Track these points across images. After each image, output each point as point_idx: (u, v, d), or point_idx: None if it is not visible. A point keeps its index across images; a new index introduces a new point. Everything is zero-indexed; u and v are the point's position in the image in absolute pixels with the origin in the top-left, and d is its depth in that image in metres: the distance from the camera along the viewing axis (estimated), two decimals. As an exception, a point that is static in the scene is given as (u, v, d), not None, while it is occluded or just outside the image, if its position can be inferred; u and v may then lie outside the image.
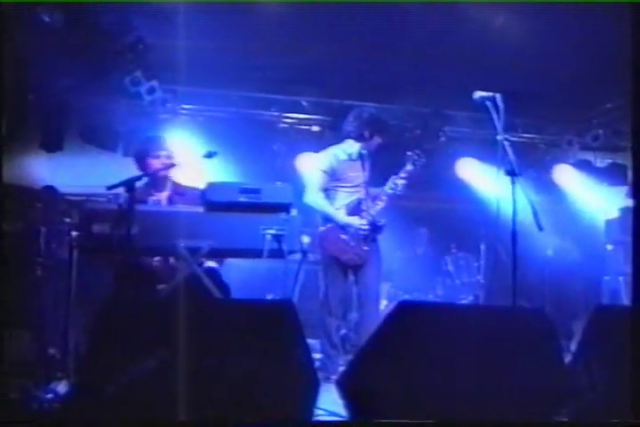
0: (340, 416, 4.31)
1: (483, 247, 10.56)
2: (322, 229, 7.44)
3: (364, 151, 7.61)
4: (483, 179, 11.72)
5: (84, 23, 8.60)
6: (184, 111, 10.93)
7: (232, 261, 7.62)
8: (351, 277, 7.60)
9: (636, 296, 4.54)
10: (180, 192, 6.71)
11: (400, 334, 4.02)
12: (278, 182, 6.27)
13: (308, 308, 8.03)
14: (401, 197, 7.63)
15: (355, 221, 7.38)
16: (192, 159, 6.78)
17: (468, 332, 4.16)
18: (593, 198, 11.96)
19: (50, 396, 5.20)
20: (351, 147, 7.61)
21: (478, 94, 6.13)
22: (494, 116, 5.96)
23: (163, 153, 6.68)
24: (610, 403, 4.20)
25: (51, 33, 8.34)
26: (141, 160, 6.74)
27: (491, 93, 6.05)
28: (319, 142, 10.15)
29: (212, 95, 10.94)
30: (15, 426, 4.05)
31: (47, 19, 8.19)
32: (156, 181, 6.69)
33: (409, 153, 7.59)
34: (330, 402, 4.39)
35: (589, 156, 12.24)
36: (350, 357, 6.69)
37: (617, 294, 9.86)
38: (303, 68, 10.18)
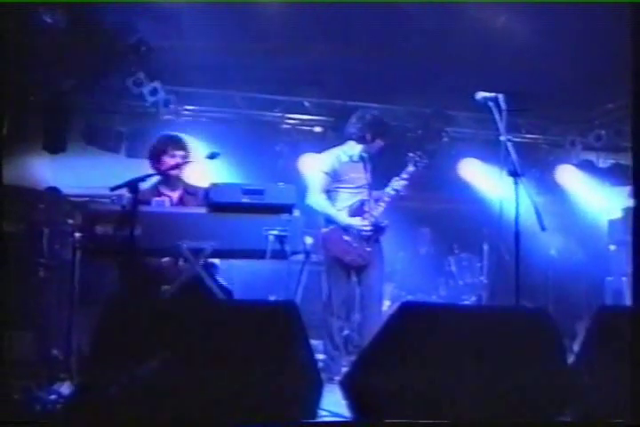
0: (344, 417, 4.31)
1: (485, 248, 10.53)
2: (325, 230, 7.44)
3: (365, 154, 7.61)
4: (485, 179, 11.72)
5: (86, 24, 8.62)
6: (186, 112, 10.94)
7: (235, 262, 7.63)
8: (354, 278, 7.59)
9: (637, 296, 4.54)
10: (191, 192, 6.71)
11: (403, 335, 4.02)
12: (281, 183, 6.27)
13: (311, 309, 8.02)
14: (403, 198, 7.62)
15: (356, 222, 7.38)
16: (195, 160, 6.75)
17: (471, 332, 4.16)
18: (596, 199, 11.95)
19: (53, 397, 5.19)
20: (353, 149, 7.61)
21: (481, 95, 6.13)
22: (497, 116, 5.97)
23: (179, 153, 6.66)
24: (612, 403, 4.19)
25: (53, 34, 8.35)
26: (156, 158, 6.72)
27: (493, 94, 6.05)
28: (321, 143, 10.15)
29: (214, 96, 10.95)
30: (18, 427, 4.06)
31: (49, 20, 8.21)
32: (169, 180, 6.69)
33: (411, 155, 7.58)
34: (333, 403, 4.38)
35: (592, 156, 12.24)
36: (353, 357, 6.68)
37: (620, 295, 9.84)
38: (305, 68, 10.19)
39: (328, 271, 7.58)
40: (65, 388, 5.60)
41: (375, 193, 7.57)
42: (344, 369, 6.81)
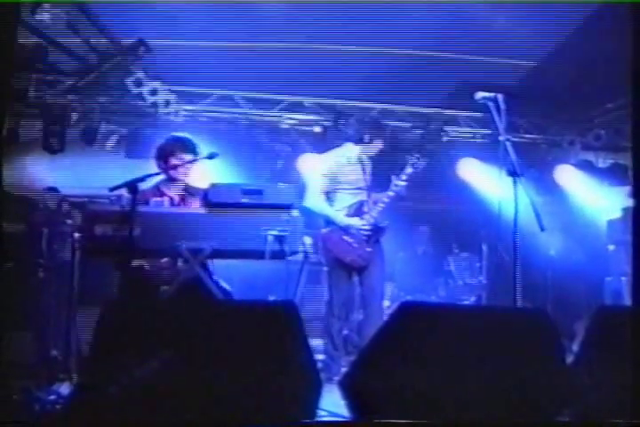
0: (343, 417, 4.31)
1: (485, 248, 10.55)
2: (324, 230, 7.44)
3: (363, 156, 7.62)
4: (484, 179, 11.69)
5: (85, 24, 8.61)
6: (186, 112, 10.92)
7: (234, 263, 7.62)
8: (355, 279, 7.60)
9: (637, 296, 4.54)
10: (192, 192, 6.70)
11: (402, 335, 4.03)
12: (280, 183, 6.28)
13: (311, 309, 8.03)
14: (403, 198, 7.62)
15: (355, 222, 7.37)
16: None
17: (471, 332, 4.16)
18: (595, 198, 11.94)
19: (52, 397, 5.20)
20: (351, 151, 7.61)
21: (480, 95, 6.13)
22: (496, 116, 5.96)
23: (187, 156, 6.63)
24: (611, 403, 4.20)
25: (52, 34, 8.34)
26: (163, 159, 6.69)
27: (492, 94, 6.05)
28: (321, 143, 10.16)
29: (213, 96, 10.94)
30: (18, 427, 4.06)
31: (48, 20, 8.20)
32: (171, 180, 6.68)
33: (409, 156, 7.58)
34: (332, 403, 4.38)
35: (591, 156, 12.22)
36: (352, 358, 6.69)
37: (619, 295, 9.84)
38: (305, 68, 10.18)
39: (329, 272, 7.59)
40: (64, 388, 5.61)
41: (374, 195, 7.57)
42: (343, 369, 6.81)
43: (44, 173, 9.54)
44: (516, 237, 5.69)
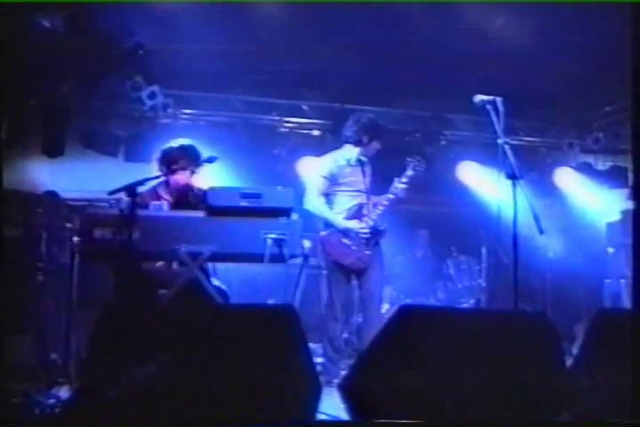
0: (342, 420, 4.31)
1: (484, 251, 10.55)
2: (323, 233, 7.44)
3: (362, 158, 7.62)
4: (483, 182, 11.72)
5: (84, 28, 8.61)
6: (185, 116, 10.93)
7: (233, 266, 7.63)
8: (354, 282, 7.60)
9: (637, 299, 4.54)
10: (190, 196, 6.69)
11: (401, 338, 4.02)
12: (279, 187, 6.27)
13: (310, 312, 8.04)
14: (402, 201, 7.62)
15: (354, 225, 7.37)
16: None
17: (470, 335, 4.16)
18: (594, 201, 11.96)
19: (52, 401, 5.20)
20: (350, 152, 7.61)
21: (478, 98, 6.12)
22: (494, 119, 5.96)
23: (191, 167, 6.61)
24: (611, 406, 4.19)
25: (51, 38, 8.35)
26: (166, 165, 6.66)
27: (491, 97, 6.05)
28: (320, 146, 10.17)
29: (212, 100, 10.95)
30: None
31: (47, 24, 8.20)
32: (170, 184, 6.67)
33: (409, 159, 7.58)
34: (332, 406, 4.38)
35: (590, 158, 12.25)
36: (352, 361, 6.69)
37: (618, 297, 9.85)
38: (304, 72, 10.20)
39: (328, 275, 7.60)
40: (64, 392, 5.61)
41: (374, 198, 7.57)
42: (343, 372, 6.81)
43: (44, 176, 9.56)
44: (515, 239, 5.69)
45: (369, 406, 3.89)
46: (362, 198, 7.53)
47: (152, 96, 9.99)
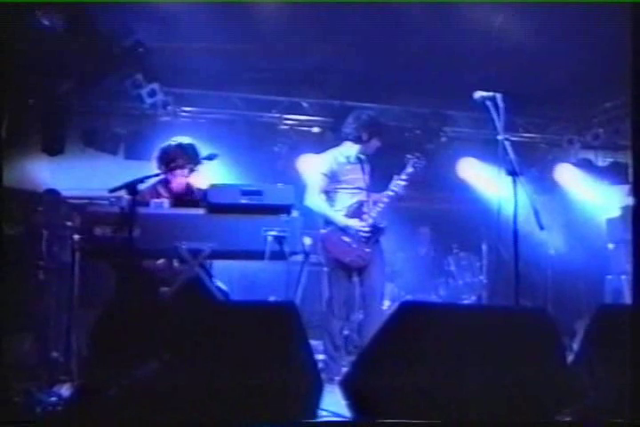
0: (344, 417, 4.31)
1: (485, 247, 10.56)
2: (323, 231, 7.44)
3: (362, 155, 7.62)
4: (484, 179, 11.72)
5: (83, 26, 8.61)
6: (185, 114, 10.94)
7: (234, 263, 7.62)
8: (355, 279, 7.59)
9: (637, 295, 4.54)
10: (190, 193, 6.69)
11: (403, 335, 4.02)
12: (280, 184, 6.27)
13: (311, 309, 8.05)
14: (402, 198, 7.61)
15: (354, 222, 7.37)
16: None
17: (471, 332, 4.16)
18: (594, 197, 11.96)
19: (53, 399, 5.20)
20: (350, 149, 7.61)
21: (478, 94, 6.12)
22: (495, 115, 5.96)
23: (189, 165, 6.60)
24: (612, 402, 4.20)
25: (51, 37, 8.35)
26: (165, 164, 6.65)
27: (491, 93, 6.05)
28: (320, 144, 10.17)
29: (212, 97, 10.95)
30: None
31: (47, 22, 8.20)
32: (169, 182, 6.67)
33: (409, 156, 7.58)
34: (333, 403, 4.38)
35: (590, 155, 12.25)
36: (353, 358, 6.70)
37: (619, 293, 9.85)
38: (303, 69, 10.20)
39: (329, 272, 7.60)
40: (65, 390, 5.61)
41: (374, 195, 7.57)
42: (344, 369, 6.81)
43: (44, 175, 9.56)
44: (515, 236, 5.69)
45: (370, 402, 3.90)
46: (362, 196, 7.52)
47: (152, 94, 9.99)
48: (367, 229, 7.37)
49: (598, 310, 4.79)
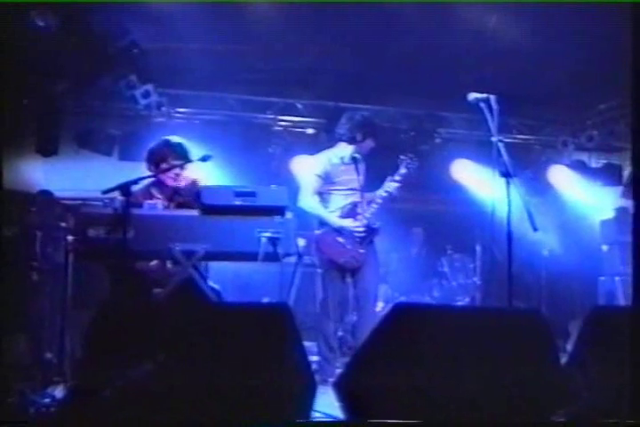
0: (337, 419, 4.31)
1: (478, 249, 10.56)
2: (317, 232, 7.44)
3: (356, 155, 7.62)
4: (478, 180, 11.72)
5: (78, 27, 8.61)
6: (179, 115, 10.93)
7: (228, 265, 7.62)
8: (349, 280, 7.59)
9: (636, 297, 4.54)
10: (183, 194, 6.66)
11: (397, 336, 4.03)
12: (273, 185, 6.27)
13: (305, 310, 8.04)
14: (396, 199, 7.63)
15: (348, 223, 7.38)
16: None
17: (465, 333, 4.16)
18: (588, 199, 11.97)
19: (47, 400, 5.20)
20: (344, 150, 7.62)
21: (473, 96, 6.13)
22: (489, 117, 5.97)
23: (178, 162, 6.57)
24: (606, 403, 4.20)
25: (45, 37, 8.34)
26: (154, 164, 6.64)
27: (485, 95, 6.05)
28: (314, 145, 10.17)
29: (206, 98, 10.94)
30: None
31: (41, 23, 8.19)
32: (162, 183, 6.65)
33: (402, 157, 7.59)
34: (327, 404, 4.38)
35: (584, 156, 12.26)
36: (347, 359, 6.70)
37: (613, 295, 9.87)
38: (298, 70, 10.20)
39: (323, 273, 7.60)
40: (59, 391, 5.61)
41: (368, 195, 7.57)
42: (338, 371, 6.81)
43: (38, 175, 9.55)
44: (509, 237, 5.70)
45: (364, 404, 3.90)
46: (356, 197, 7.53)
47: (146, 95, 9.98)
48: (361, 229, 7.37)
49: (592, 312, 4.79)
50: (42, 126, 9.83)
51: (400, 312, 4.14)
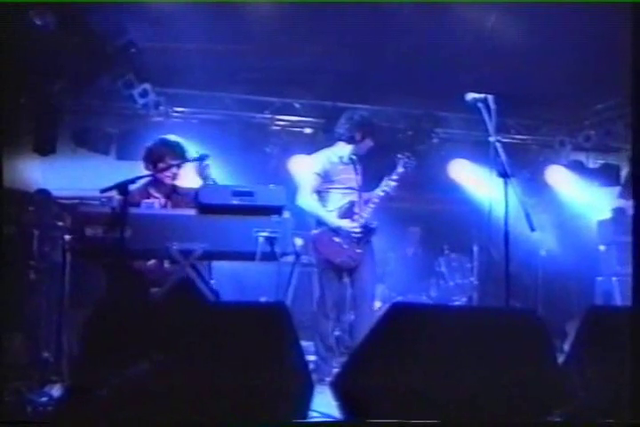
0: (334, 418, 4.31)
1: (475, 249, 10.56)
2: (314, 231, 7.44)
3: (354, 156, 7.63)
4: (475, 180, 11.73)
5: (76, 26, 8.60)
6: (177, 114, 10.92)
7: (225, 264, 7.62)
8: (346, 280, 7.60)
9: (636, 297, 4.55)
10: (180, 193, 6.67)
11: (394, 336, 4.03)
12: (271, 185, 6.26)
13: (302, 310, 8.04)
14: (393, 199, 7.63)
15: (346, 223, 7.38)
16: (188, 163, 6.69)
17: (462, 333, 4.16)
18: (585, 199, 11.97)
19: (44, 399, 5.20)
20: (342, 149, 7.62)
21: (470, 96, 6.13)
22: (486, 117, 5.97)
23: (176, 162, 6.58)
24: (603, 403, 4.21)
25: (43, 36, 8.33)
26: (152, 163, 6.64)
27: (483, 95, 6.05)
28: (312, 144, 10.16)
29: (204, 98, 10.94)
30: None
31: (39, 22, 8.19)
32: (159, 182, 6.65)
33: (400, 156, 7.59)
34: (324, 404, 4.38)
35: (581, 156, 12.27)
36: (344, 359, 6.70)
37: (610, 295, 9.84)
38: (296, 70, 10.19)
39: (320, 273, 7.60)
40: (56, 390, 5.61)
41: (365, 194, 7.58)
42: (335, 370, 6.81)
43: (35, 174, 9.54)
44: (506, 237, 5.70)
45: (361, 404, 3.90)
46: (354, 196, 7.53)
47: (144, 94, 9.98)
48: (358, 229, 7.37)
49: (589, 312, 4.79)
50: (39, 125, 9.84)
51: (397, 312, 4.14)
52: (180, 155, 6.57)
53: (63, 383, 5.74)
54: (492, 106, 5.96)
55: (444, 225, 11.96)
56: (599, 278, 10.26)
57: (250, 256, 5.84)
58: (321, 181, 7.50)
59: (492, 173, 5.87)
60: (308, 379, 3.97)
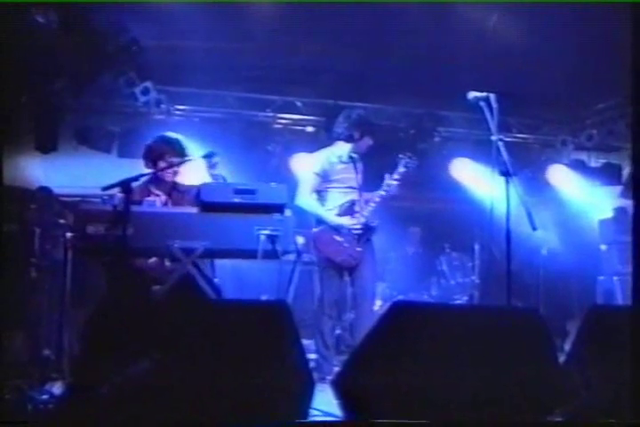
0: (335, 417, 4.31)
1: (477, 247, 10.56)
2: (315, 230, 7.44)
3: (354, 154, 7.63)
4: (477, 179, 11.73)
5: (77, 24, 8.60)
6: (178, 112, 10.92)
7: (226, 262, 7.62)
8: (346, 278, 7.60)
9: (636, 296, 4.55)
10: (181, 191, 6.67)
11: (395, 335, 4.03)
12: (273, 183, 6.26)
13: (303, 308, 8.04)
14: (395, 198, 7.63)
15: (346, 221, 7.38)
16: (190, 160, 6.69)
17: (463, 332, 4.16)
18: (587, 198, 11.98)
19: (45, 397, 5.20)
20: (341, 148, 7.62)
21: (472, 94, 6.13)
22: (488, 116, 5.97)
23: (176, 159, 6.58)
24: (604, 402, 4.20)
25: (44, 34, 8.33)
26: (152, 161, 6.64)
27: (485, 94, 6.05)
28: (314, 143, 10.16)
29: (206, 96, 10.94)
30: (10, 427, 4.05)
31: (41, 20, 8.19)
32: (160, 180, 6.65)
33: (401, 155, 7.59)
34: (325, 402, 4.39)
35: (583, 156, 12.28)
36: (345, 357, 6.69)
37: (611, 294, 9.87)
38: (297, 68, 10.19)
39: (320, 271, 7.60)
40: (57, 388, 5.61)
41: (366, 194, 7.57)
42: (336, 369, 6.81)
43: (37, 172, 9.54)
44: (508, 236, 5.70)
45: (362, 402, 3.90)
46: (354, 195, 7.53)
47: (145, 92, 9.98)
48: (359, 227, 7.37)
49: (590, 311, 4.79)
50: (41, 123, 9.83)
51: (398, 311, 4.14)
52: (179, 152, 6.57)
53: (64, 381, 5.73)
54: (494, 105, 5.96)
55: (445, 224, 11.96)
56: (600, 278, 10.30)
57: (251, 254, 5.84)
58: (320, 180, 7.49)
59: (493, 171, 5.87)
60: (308, 377, 3.97)
